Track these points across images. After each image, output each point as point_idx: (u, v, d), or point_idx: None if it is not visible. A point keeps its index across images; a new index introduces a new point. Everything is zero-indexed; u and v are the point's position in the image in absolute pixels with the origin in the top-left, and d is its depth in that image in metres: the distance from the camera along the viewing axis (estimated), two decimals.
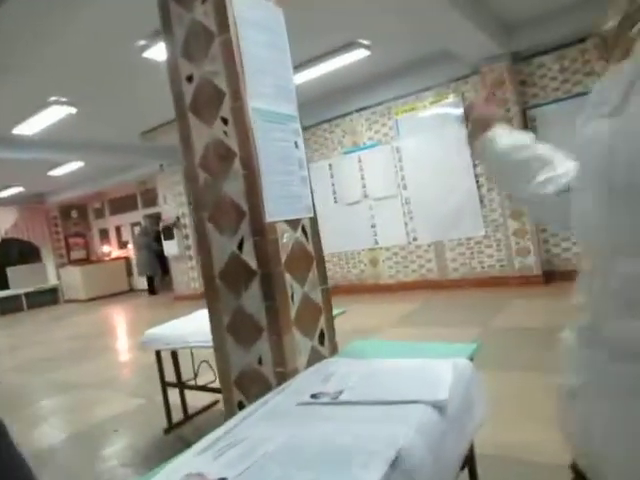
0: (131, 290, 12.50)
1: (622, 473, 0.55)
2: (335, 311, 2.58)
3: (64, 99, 5.02)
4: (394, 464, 0.94)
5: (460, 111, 5.95)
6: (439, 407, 1.13)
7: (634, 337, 0.52)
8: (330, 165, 7.28)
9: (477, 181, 5.96)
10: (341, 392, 1.31)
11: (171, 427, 2.93)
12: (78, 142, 7.02)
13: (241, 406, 1.71)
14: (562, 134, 6.06)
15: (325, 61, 5.34)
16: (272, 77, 1.69)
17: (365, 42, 4.96)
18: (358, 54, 5.17)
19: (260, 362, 1.66)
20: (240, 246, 1.64)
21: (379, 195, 6.78)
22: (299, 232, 1.73)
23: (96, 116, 5.85)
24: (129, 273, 12.61)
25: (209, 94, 1.64)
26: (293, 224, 1.70)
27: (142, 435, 2.96)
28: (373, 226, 6.94)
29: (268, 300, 1.60)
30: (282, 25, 1.77)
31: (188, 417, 3.01)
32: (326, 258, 6.94)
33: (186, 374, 3.00)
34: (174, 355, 2.97)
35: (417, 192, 6.45)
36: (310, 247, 1.79)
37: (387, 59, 5.61)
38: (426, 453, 1.04)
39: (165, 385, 2.96)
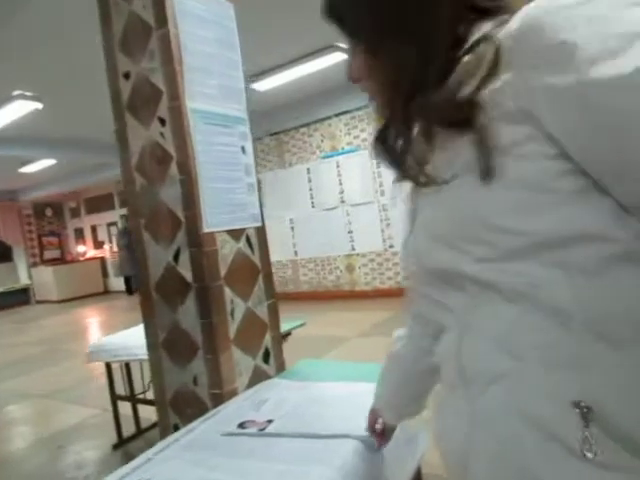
0: (106, 291, 12.21)
1: None
2: (294, 323, 2.48)
3: (29, 93, 4.82)
4: None
5: None
6: (369, 443, 1.03)
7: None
8: (308, 169, 7.17)
9: None
10: (271, 422, 1.20)
11: (121, 442, 2.78)
12: (48, 139, 6.80)
13: (176, 428, 1.58)
14: None
15: (302, 64, 5.24)
16: (218, 76, 1.57)
17: (343, 46, 4.88)
18: (336, 57, 5.07)
19: (195, 382, 1.54)
20: (176, 257, 1.52)
21: (356, 201, 6.70)
22: (242, 243, 1.61)
23: (65, 112, 5.65)
24: (105, 274, 12.32)
25: (146, 93, 1.52)
26: (235, 234, 1.59)
27: (90, 451, 2.80)
28: (350, 232, 6.85)
29: (204, 317, 1.48)
30: (232, 21, 1.66)
31: (140, 431, 2.86)
32: (302, 264, 6.83)
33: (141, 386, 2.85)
34: (127, 366, 2.82)
35: (395, 198, 6.35)
36: (256, 259, 1.68)
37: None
38: None
39: (115, 398, 2.80)
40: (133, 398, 2.84)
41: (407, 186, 0.64)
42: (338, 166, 6.84)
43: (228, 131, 1.58)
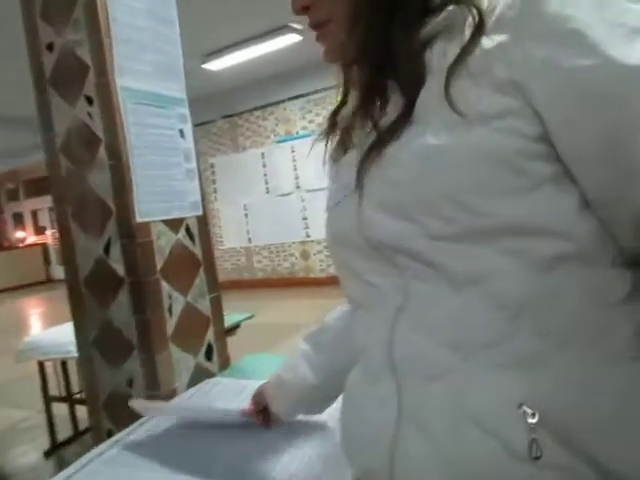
0: (49, 280, 11.61)
1: None
2: (242, 316, 2.39)
3: None
4: None
5: None
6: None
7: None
8: (262, 154, 7.02)
9: None
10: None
11: (55, 447, 2.60)
12: None
13: (110, 434, 1.47)
14: None
15: (257, 44, 5.07)
16: (152, 52, 1.44)
17: (297, 26, 4.74)
18: (290, 39, 4.94)
19: (130, 384, 1.43)
20: (107, 249, 1.40)
21: (312, 187, 6.61)
22: (181, 233, 1.50)
23: None
24: (47, 261, 11.71)
25: (71, 67, 1.37)
26: (173, 224, 1.47)
27: (18, 458, 2.61)
28: (305, 218, 6.77)
29: (138, 313, 1.37)
30: None
31: (78, 433, 2.69)
32: (256, 251, 6.75)
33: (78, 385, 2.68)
34: (62, 364, 2.64)
35: None
36: (197, 250, 1.57)
37: (318, 46, 5.41)
38: None
39: (49, 399, 2.61)
40: (70, 398, 2.67)
41: (350, 147, 0.58)
42: (293, 151, 6.73)
43: (164, 112, 1.46)
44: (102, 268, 1.42)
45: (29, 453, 2.64)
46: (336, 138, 0.63)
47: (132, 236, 1.34)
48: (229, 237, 7.49)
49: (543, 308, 0.43)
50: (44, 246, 11.62)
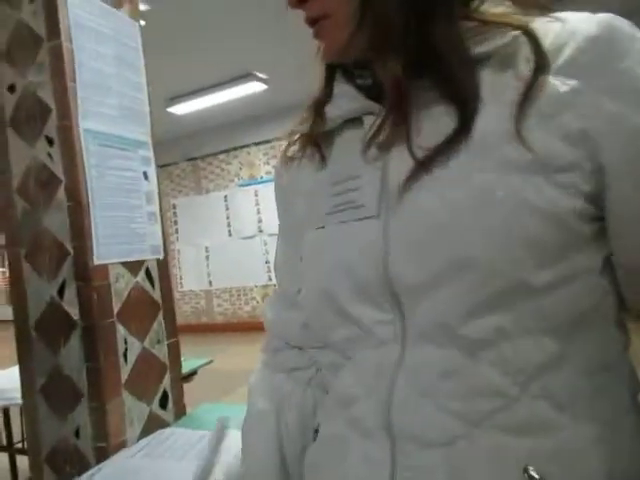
0: None
1: None
2: (200, 361, 2.33)
3: None
4: None
5: None
6: None
7: None
8: (226, 197, 7.04)
9: None
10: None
11: None
12: None
13: None
14: None
15: (221, 90, 5.19)
16: (117, 96, 1.46)
17: (261, 75, 4.90)
18: (254, 86, 5.08)
19: (77, 435, 1.36)
20: (61, 292, 1.35)
21: (275, 231, 6.59)
22: (141, 276, 1.48)
23: None
24: None
25: (32, 108, 1.36)
26: (133, 267, 1.45)
27: None
28: (267, 262, 6.76)
29: (90, 360, 1.32)
30: (137, 40, 1.56)
31: None
32: (217, 294, 6.62)
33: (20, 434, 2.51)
34: (4, 412, 2.48)
35: None
36: (156, 294, 1.55)
37: (285, 94, 5.58)
38: None
39: None
40: (10, 448, 2.49)
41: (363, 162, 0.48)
42: (256, 195, 6.79)
43: (128, 154, 1.47)
44: (54, 311, 1.37)
45: None
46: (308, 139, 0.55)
47: (88, 279, 1.31)
48: (189, 279, 7.35)
49: (550, 372, 0.42)
50: None
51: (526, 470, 0.40)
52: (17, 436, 2.50)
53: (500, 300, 0.40)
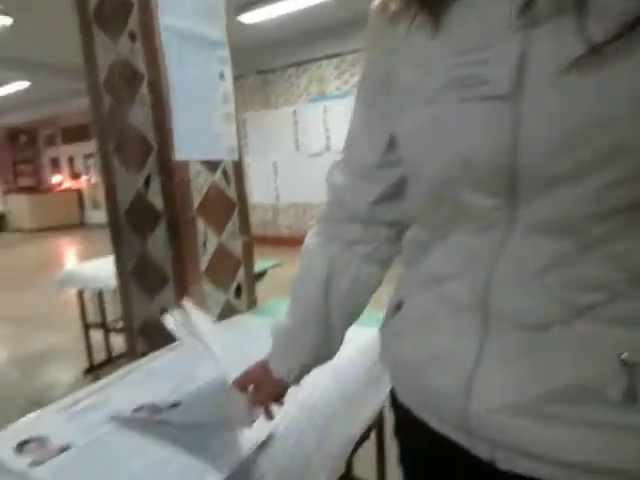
0: (82, 224, 12.01)
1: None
2: (269, 263, 2.47)
3: None
4: (265, 443, 0.83)
5: None
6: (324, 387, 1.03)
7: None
8: (294, 112, 6.96)
9: None
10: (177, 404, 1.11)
11: (92, 368, 2.81)
12: (20, 59, 6.40)
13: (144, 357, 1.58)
14: None
15: None
16: None
17: None
18: None
19: (164, 313, 1.52)
20: (146, 184, 1.46)
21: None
22: (218, 175, 1.55)
23: (37, 31, 5.28)
24: (81, 206, 12.07)
25: (115, 3, 1.39)
26: (211, 165, 1.52)
27: (61, 375, 2.83)
28: None
29: (174, 248, 1.44)
30: None
31: (111, 359, 2.88)
32: (283, 208, 6.75)
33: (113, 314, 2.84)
34: (99, 295, 2.80)
35: None
36: (232, 193, 1.62)
37: (360, 4, 5.26)
38: (309, 431, 0.95)
39: (86, 326, 2.80)
40: (105, 326, 2.84)
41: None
42: (325, 111, 6.65)
43: (206, 53, 1.48)
44: (141, 202, 1.48)
45: (69, 371, 2.85)
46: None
47: (171, 173, 1.40)
48: (257, 192, 7.56)
49: None
50: (79, 191, 11.95)
51: (620, 357, 0.42)
52: (110, 316, 2.83)
53: (636, 198, 0.39)
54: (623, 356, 0.42)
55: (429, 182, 0.50)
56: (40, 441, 0.84)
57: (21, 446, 0.82)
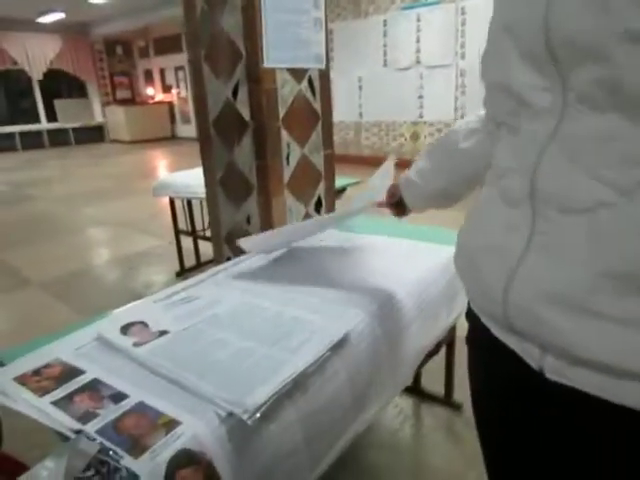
0: (173, 137, 12.56)
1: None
2: (350, 180, 2.46)
3: None
4: (340, 344, 0.88)
5: None
6: (400, 298, 1.05)
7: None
8: (385, 21, 6.51)
9: None
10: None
11: (183, 271, 3.06)
12: None
13: None
14: None
15: None
16: None
17: None
18: None
19: (249, 222, 1.60)
20: (235, 93, 1.47)
21: (433, 63, 6.13)
22: (304, 85, 1.52)
23: None
24: (172, 120, 12.54)
25: None
26: (298, 74, 1.49)
27: (156, 275, 3.13)
28: (420, 97, 6.40)
29: (259, 158, 1.48)
30: None
31: (200, 264, 3.12)
32: (365, 127, 6.61)
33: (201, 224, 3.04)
34: (189, 204, 2.98)
35: (475, 64, 5.76)
36: (317, 105, 1.60)
37: None
38: (381, 339, 0.98)
39: (178, 232, 3.02)
40: (194, 234, 3.05)
41: None
42: (418, 20, 6.16)
43: None
44: (229, 111, 1.51)
45: (163, 272, 3.14)
46: None
47: (259, 81, 1.39)
48: (340, 110, 7.37)
49: None
50: (170, 104, 12.38)
51: None
52: (198, 225, 3.03)
53: None
54: None
55: (488, 54, 0.54)
56: (142, 325, 0.95)
57: (125, 328, 0.93)
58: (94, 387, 0.71)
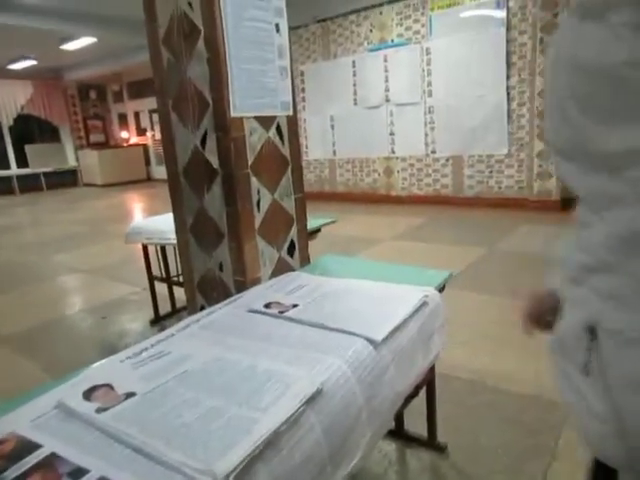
0: (149, 179, 12.52)
1: None
2: (324, 220, 2.47)
3: None
4: (314, 396, 0.86)
5: (502, 14, 5.29)
6: (375, 344, 1.03)
7: None
8: (354, 62, 6.73)
9: (508, 94, 5.47)
10: (295, 306, 1.24)
11: (158, 318, 2.99)
12: (87, 13, 6.57)
13: (203, 310, 1.65)
14: None
15: None
16: None
17: None
18: None
19: (221, 269, 1.57)
20: (203, 141, 1.48)
21: (402, 100, 6.32)
22: (272, 132, 1.54)
23: None
24: (147, 162, 12.54)
25: None
26: (265, 122, 1.51)
27: (130, 323, 3.04)
28: (391, 134, 6.57)
29: (229, 205, 1.47)
30: None
31: (175, 310, 3.05)
32: (339, 164, 6.73)
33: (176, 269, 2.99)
34: (162, 249, 2.93)
35: (442, 101, 5.98)
36: (286, 150, 1.61)
37: None
38: (357, 387, 0.96)
39: (152, 279, 2.96)
40: (168, 280, 2.99)
41: None
42: (386, 60, 6.39)
43: (261, 4, 1.44)
44: (198, 159, 1.51)
45: (138, 320, 3.06)
46: None
47: (227, 130, 1.40)
48: (314, 148, 7.50)
49: None
50: (145, 147, 12.40)
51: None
52: (172, 271, 2.97)
53: None
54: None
55: None
56: (107, 388, 0.91)
57: (89, 392, 0.88)
58: (50, 464, 0.67)
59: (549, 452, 1.58)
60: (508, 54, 5.39)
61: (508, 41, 5.36)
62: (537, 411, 1.80)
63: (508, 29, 5.33)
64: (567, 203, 5.29)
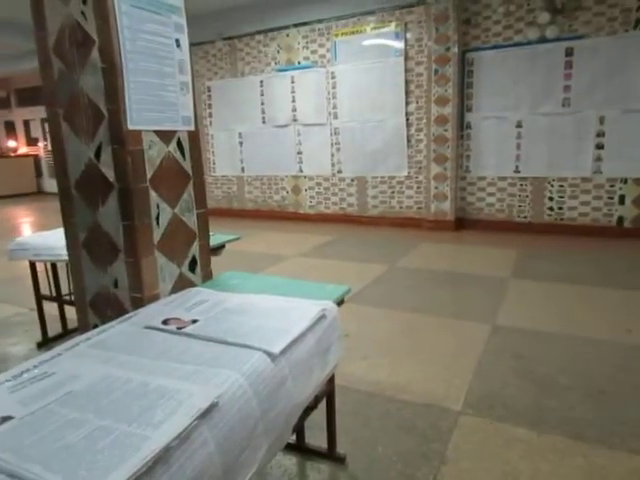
0: (40, 192, 11.55)
1: None
2: (229, 237, 2.46)
3: None
4: (208, 410, 0.86)
5: (401, 44, 5.69)
6: (273, 357, 1.06)
7: None
8: (261, 82, 6.82)
9: (407, 119, 5.86)
10: (195, 322, 1.23)
11: (46, 340, 2.76)
12: None
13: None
14: (496, 82, 5.95)
15: None
16: None
17: None
18: None
19: (116, 285, 1.51)
20: (98, 154, 1.42)
21: (308, 121, 6.51)
22: (172, 146, 1.52)
23: None
24: (38, 174, 11.57)
25: None
26: (165, 136, 1.49)
27: (14, 347, 2.77)
28: (299, 153, 6.72)
29: (126, 219, 1.42)
30: None
31: (67, 332, 2.84)
32: (248, 181, 6.72)
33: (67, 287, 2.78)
34: (53, 267, 2.73)
35: (347, 123, 6.25)
36: (187, 165, 1.60)
37: None
38: (254, 400, 0.98)
39: (40, 298, 2.74)
40: (59, 299, 2.78)
41: None
42: (293, 81, 6.55)
43: (161, 19, 1.43)
44: (93, 172, 1.45)
45: (22, 343, 2.79)
46: None
47: (123, 142, 1.37)
48: (222, 164, 7.44)
49: None
50: (36, 158, 11.44)
51: None
52: (64, 289, 2.77)
53: None
54: None
55: None
56: None
57: None
58: None
59: (439, 457, 1.69)
60: (407, 82, 5.79)
61: (406, 70, 5.76)
62: (430, 418, 1.92)
63: (406, 59, 5.74)
64: (460, 223, 5.75)
